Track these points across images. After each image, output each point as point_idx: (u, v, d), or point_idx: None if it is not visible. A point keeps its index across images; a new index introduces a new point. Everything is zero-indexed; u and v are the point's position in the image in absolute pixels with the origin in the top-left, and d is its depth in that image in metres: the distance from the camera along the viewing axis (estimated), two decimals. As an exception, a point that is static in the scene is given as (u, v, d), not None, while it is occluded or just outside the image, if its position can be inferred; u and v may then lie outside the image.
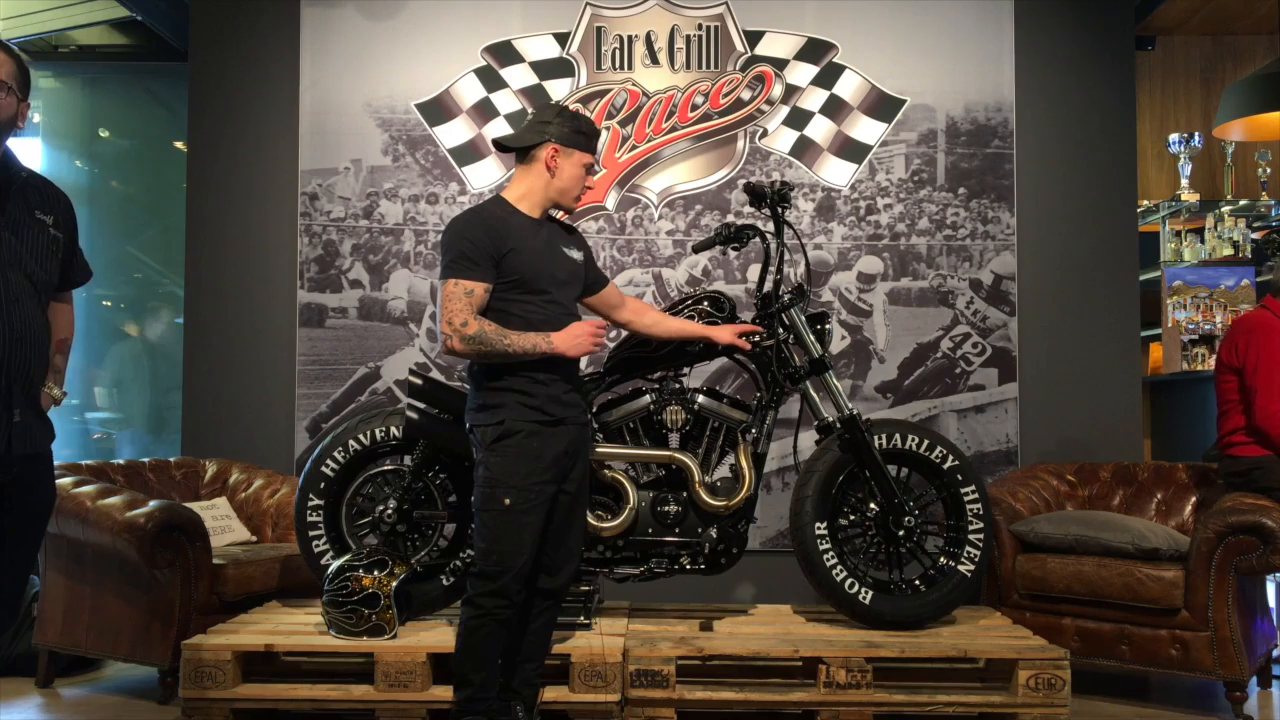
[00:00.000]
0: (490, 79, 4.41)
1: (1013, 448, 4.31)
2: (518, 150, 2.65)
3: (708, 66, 4.40)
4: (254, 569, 3.45)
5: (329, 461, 3.19)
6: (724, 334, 3.05)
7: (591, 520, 3.01)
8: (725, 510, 3.08)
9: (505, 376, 2.54)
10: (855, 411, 3.15)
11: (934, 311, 4.36)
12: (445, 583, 3.19)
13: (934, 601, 3.15)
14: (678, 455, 3.11)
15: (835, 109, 4.39)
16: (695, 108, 4.38)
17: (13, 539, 2.17)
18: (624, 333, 3.13)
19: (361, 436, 3.20)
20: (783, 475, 4.27)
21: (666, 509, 3.11)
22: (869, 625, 3.12)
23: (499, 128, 4.35)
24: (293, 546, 3.63)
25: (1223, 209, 5.01)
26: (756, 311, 3.24)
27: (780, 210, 3.22)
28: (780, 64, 4.39)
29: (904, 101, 4.38)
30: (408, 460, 3.18)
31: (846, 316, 4.36)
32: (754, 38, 4.40)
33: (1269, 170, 5.09)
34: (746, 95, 4.38)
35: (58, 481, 3.03)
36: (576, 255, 2.72)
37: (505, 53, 4.41)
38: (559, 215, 2.78)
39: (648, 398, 3.17)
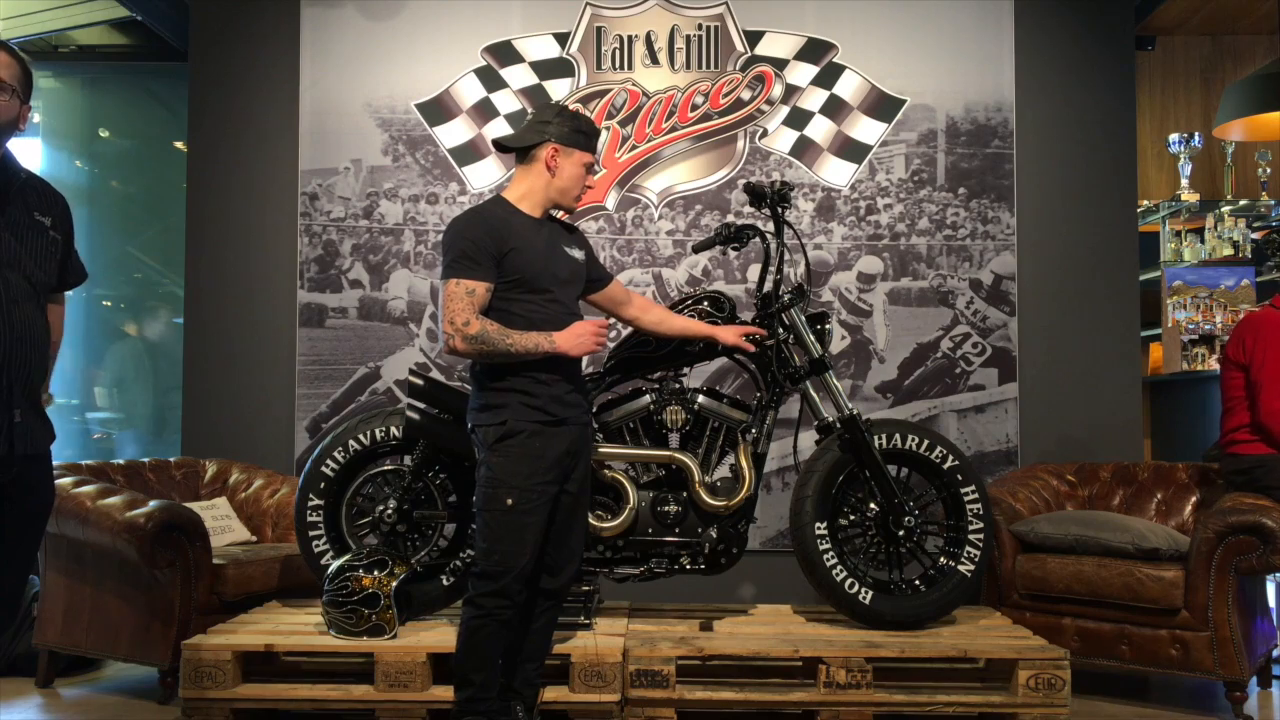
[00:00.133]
0: (490, 79, 4.41)
1: (1013, 448, 4.31)
2: (518, 150, 2.66)
3: (708, 66, 4.40)
4: (254, 569, 3.45)
5: (329, 461, 3.19)
6: (728, 334, 3.05)
7: (591, 520, 3.01)
8: (725, 510, 3.08)
9: (508, 377, 2.53)
10: (855, 411, 3.15)
11: (934, 311, 4.36)
12: (445, 583, 3.19)
13: (934, 601, 3.15)
14: (678, 455, 3.11)
15: (835, 109, 4.39)
16: (695, 108, 4.38)
17: (12, 539, 2.18)
18: (624, 333, 3.13)
19: (361, 436, 3.20)
20: (783, 475, 4.27)
21: (666, 509, 3.11)
22: (869, 625, 3.12)
23: (499, 128, 4.35)
24: (293, 546, 3.63)
25: (1223, 209, 5.01)
26: (756, 311, 3.24)
27: (780, 210, 3.22)
28: (780, 64, 4.39)
29: (904, 101, 4.38)
30: (408, 460, 3.18)
31: (846, 316, 4.36)
32: (754, 38, 4.40)
33: (1269, 170, 5.09)
34: (746, 95, 4.38)
35: (58, 481, 3.04)
36: (578, 254, 2.73)
37: (505, 53, 4.41)
38: (560, 215, 2.78)
39: (648, 398, 3.17)
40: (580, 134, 2.64)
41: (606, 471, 3.11)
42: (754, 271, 4.15)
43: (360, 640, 2.91)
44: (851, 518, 3.22)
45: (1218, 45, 5.31)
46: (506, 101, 4.40)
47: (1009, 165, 4.38)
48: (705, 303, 3.17)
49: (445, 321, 2.49)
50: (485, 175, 4.39)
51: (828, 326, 3.22)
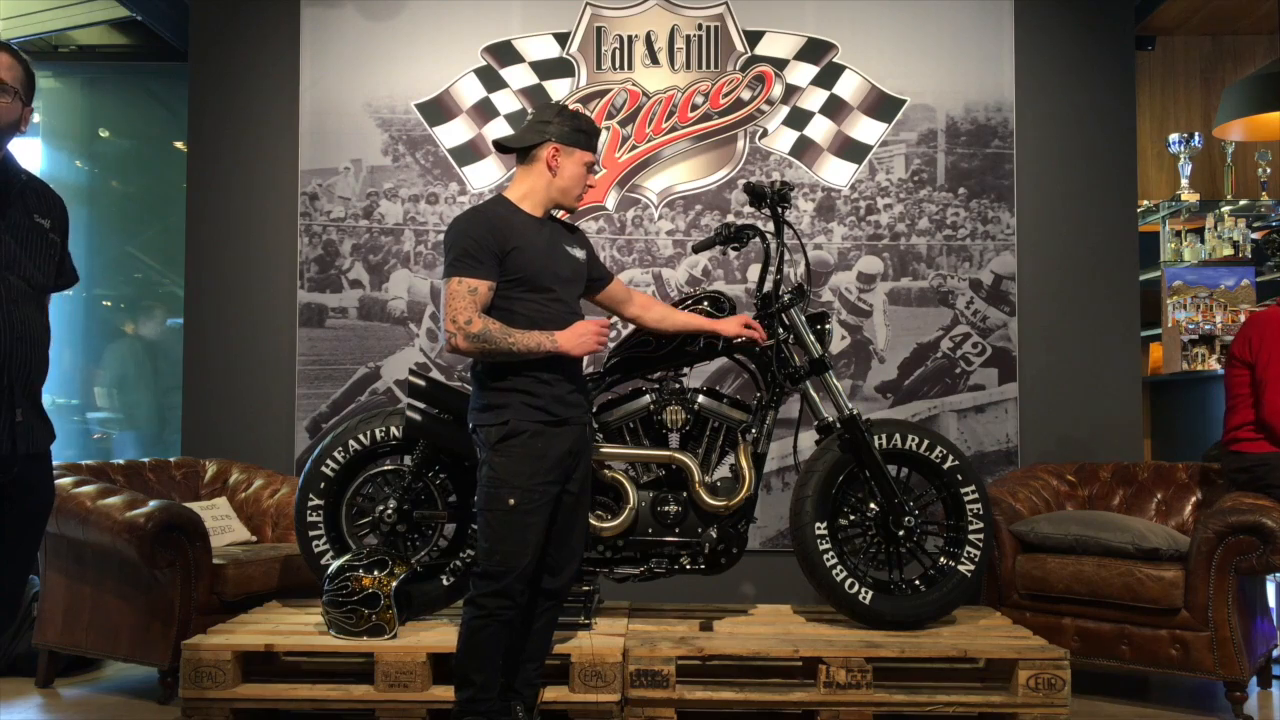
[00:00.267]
0: (490, 79, 4.41)
1: (1013, 448, 4.31)
2: (518, 150, 2.66)
3: (708, 66, 4.40)
4: (254, 569, 3.45)
5: (329, 461, 3.19)
6: (730, 326, 3.05)
7: (592, 520, 3.01)
8: (725, 510, 3.08)
9: (509, 376, 2.53)
10: (855, 411, 3.15)
11: (934, 311, 4.36)
12: (445, 583, 3.19)
13: (934, 601, 3.15)
14: (678, 455, 3.11)
15: (835, 109, 4.39)
16: (695, 108, 4.38)
17: (12, 539, 2.18)
18: (624, 333, 3.13)
19: (361, 436, 3.20)
20: (783, 475, 4.27)
21: (666, 509, 3.11)
22: (869, 625, 3.12)
23: (499, 128, 4.36)
24: (293, 546, 3.63)
25: (1223, 209, 5.01)
26: (756, 311, 3.24)
27: (780, 210, 3.22)
28: (780, 64, 4.39)
29: (904, 101, 4.38)
30: (408, 460, 3.18)
31: (846, 316, 4.36)
32: (754, 38, 4.40)
33: (1269, 170, 5.09)
34: (746, 95, 4.38)
35: (58, 481, 3.04)
36: (579, 254, 2.72)
37: (505, 53, 4.41)
38: (561, 215, 2.77)
39: (648, 398, 3.17)
40: (581, 133, 2.64)
41: (606, 471, 3.11)
42: (754, 271, 4.15)
43: (360, 640, 2.91)
44: (851, 518, 3.22)
45: (1218, 45, 5.31)
46: (506, 101, 4.40)
47: (1009, 165, 4.38)
48: (705, 302, 3.17)
49: (447, 320, 2.49)
50: (485, 175, 4.40)
51: (828, 326, 3.22)
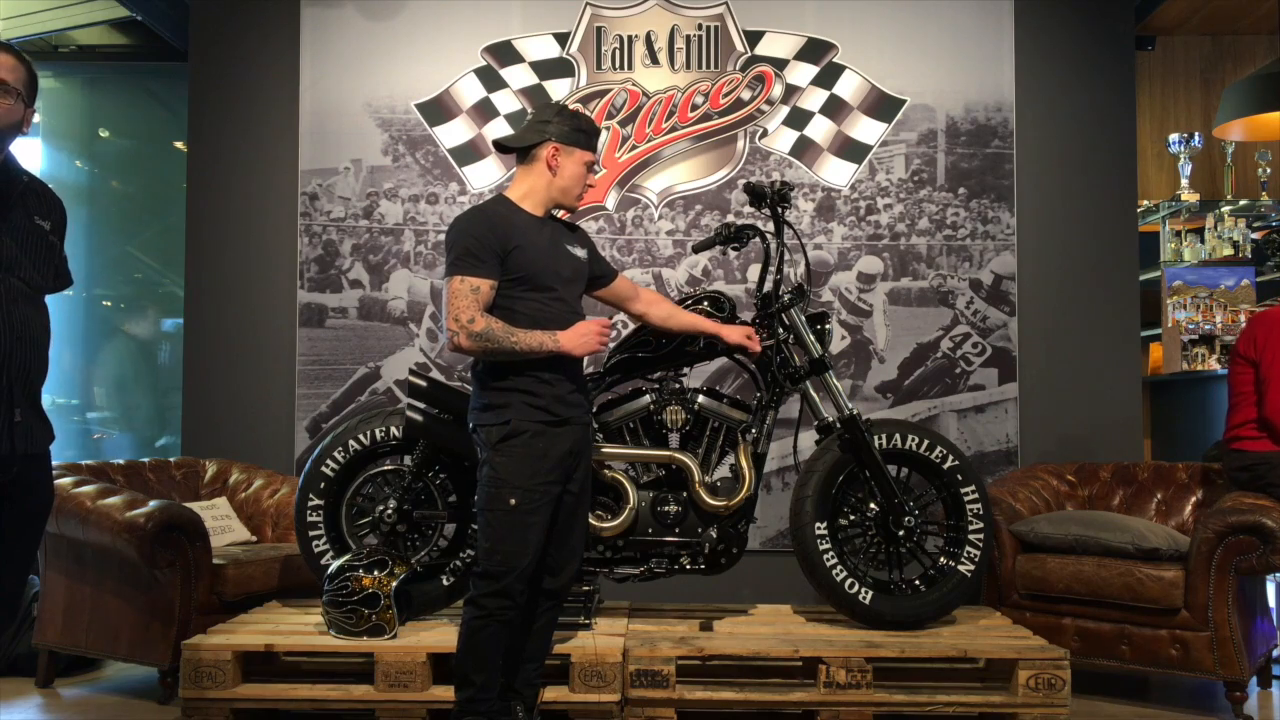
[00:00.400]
0: (490, 79, 4.41)
1: (1013, 448, 4.31)
2: (518, 150, 2.66)
3: (708, 66, 4.40)
4: (254, 569, 3.45)
5: (329, 461, 3.19)
6: (734, 333, 3.05)
7: (592, 520, 3.01)
8: (725, 510, 3.08)
9: (510, 376, 2.53)
10: (855, 411, 3.15)
11: (934, 311, 4.36)
12: (445, 583, 3.19)
13: (934, 601, 3.15)
14: (678, 455, 3.11)
15: (835, 109, 4.39)
16: (695, 108, 4.38)
17: (12, 539, 2.18)
18: (624, 333, 3.13)
19: (361, 436, 3.20)
20: (783, 475, 4.27)
21: (666, 509, 3.11)
22: (869, 625, 3.12)
23: (499, 128, 4.36)
24: (293, 546, 3.63)
25: (1223, 209, 5.01)
26: (756, 311, 3.24)
27: (780, 210, 3.22)
28: (780, 64, 4.39)
29: (904, 101, 4.38)
30: (408, 460, 3.18)
31: (846, 316, 4.36)
32: (754, 38, 4.40)
33: (1269, 170, 5.09)
34: (746, 95, 4.38)
35: (57, 481, 3.04)
36: (580, 253, 2.72)
37: (505, 53, 4.41)
38: (561, 214, 2.77)
39: (648, 398, 3.17)
40: (581, 133, 2.64)
41: (606, 471, 3.11)
42: (754, 271, 4.15)
43: (360, 640, 2.91)
44: (851, 518, 3.22)
45: (1218, 45, 5.31)
46: (506, 101, 4.40)
47: (1009, 165, 4.38)
48: (705, 302, 3.17)
49: (449, 319, 2.49)
50: (485, 175, 4.40)
51: (828, 326, 3.22)
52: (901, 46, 4.40)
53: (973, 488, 3.20)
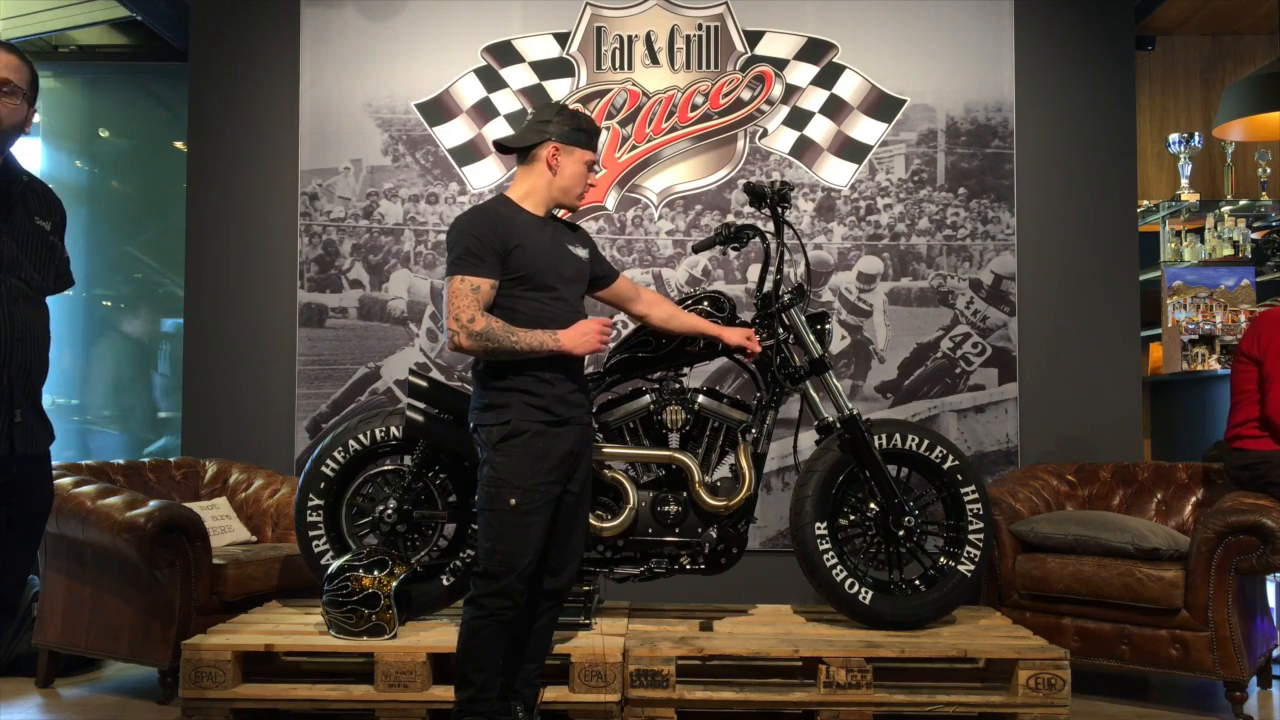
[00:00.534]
0: (490, 79, 4.41)
1: (1013, 448, 4.31)
2: (519, 150, 2.66)
3: (708, 66, 4.40)
4: (254, 569, 3.45)
5: (329, 461, 3.19)
6: (735, 335, 3.06)
7: (592, 520, 3.01)
8: (725, 510, 3.08)
9: (511, 376, 2.53)
10: (855, 411, 3.15)
11: (934, 311, 4.36)
12: (445, 583, 3.19)
13: (934, 601, 3.15)
14: (678, 455, 3.11)
15: (835, 109, 4.39)
16: (695, 108, 4.38)
17: (12, 539, 2.18)
18: (624, 333, 3.13)
19: (361, 436, 3.20)
20: (783, 475, 4.27)
21: (666, 509, 3.11)
22: (869, 625, 3.12)
23: (499, 128, 4.36)
24: (293, 546, 3.62)
25: (1223, 209, 5.01)
26: (756, 311, 3.24)
27: (780, 210, 3.22)
28: (780, 64, 4.39)
29: (904, 101, 4.38)
30: (408, 460, 3.18)
31: (846, 316, 4.36)
32: (754, 38, 4.40)
33: (1269, 170, 5.08)
34: (746, 95, 4.38)
35: (58, 481, 3.04)
36: (581, 253, 2.72)
37: (505, 53, 4.41)
38: (562, 214, 2.77)
39: (648, 398, 3.17)
40: (581, 132, 2.64)
41: (607, 471, 3.11)
42: (754, 271, 4.16)
43: (360, 640, 2.91)
44: (851, 518, 3.23)
45: (1218, 45, 5.31)
46: (506, 101, 4.40)
47: (1009, 165, 4.38)
48: (705, 303, 3.17)
49: (450, 318, 2.49)
50: (485, 175, 4.40)
51: (828, 326, 3.22)
52: (901, 46, 4.40)
53: (973, 488, 3.20)
